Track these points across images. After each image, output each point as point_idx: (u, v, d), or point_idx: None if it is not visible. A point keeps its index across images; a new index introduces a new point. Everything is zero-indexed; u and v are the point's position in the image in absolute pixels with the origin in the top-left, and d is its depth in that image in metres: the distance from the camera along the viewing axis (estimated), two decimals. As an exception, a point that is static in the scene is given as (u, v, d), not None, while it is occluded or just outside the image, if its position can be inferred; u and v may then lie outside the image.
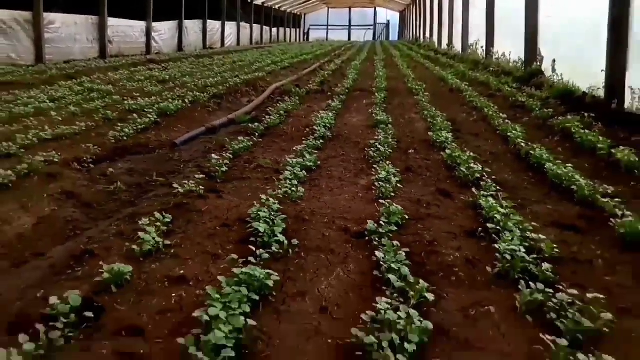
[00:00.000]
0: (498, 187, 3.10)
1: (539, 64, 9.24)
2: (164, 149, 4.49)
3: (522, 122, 4.91)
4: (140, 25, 19.80)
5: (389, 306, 1.75)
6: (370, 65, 12.44)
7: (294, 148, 4.06)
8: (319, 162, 3.77)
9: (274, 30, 43.01)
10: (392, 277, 2.01)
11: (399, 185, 3.18)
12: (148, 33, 20.21)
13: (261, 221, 2.45)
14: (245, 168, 3.62)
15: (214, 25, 27.92)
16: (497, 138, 4.50)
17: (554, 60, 8.24)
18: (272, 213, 2.60)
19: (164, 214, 2.63)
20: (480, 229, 2.57)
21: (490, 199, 2.79)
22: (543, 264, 2.18)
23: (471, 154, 3.75)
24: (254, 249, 2.26)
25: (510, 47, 11.52)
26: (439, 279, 2.15)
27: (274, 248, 2.30)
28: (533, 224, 2.56)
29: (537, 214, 2.82)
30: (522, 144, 4.02)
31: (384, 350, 1.56)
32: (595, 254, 2.41)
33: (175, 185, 3.07)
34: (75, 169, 3.71)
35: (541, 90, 7.69)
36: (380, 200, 2.85)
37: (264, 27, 39.27)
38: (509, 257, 2.19)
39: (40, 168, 3.55)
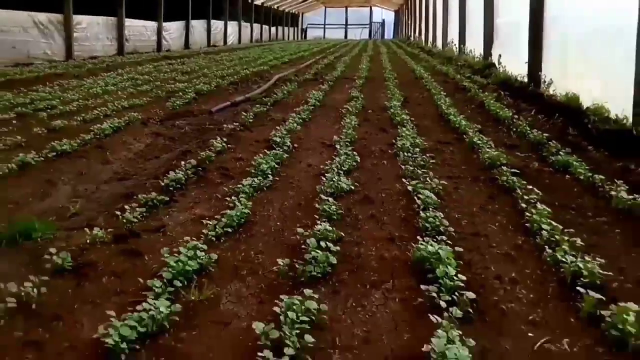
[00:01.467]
0: (416, 128, 5.17)
1: (492, 58, 11.35)
2: (205, 115, 6.57)
3: (456, 98, 6.96)
4: (153, 25, 21.77)
5: (338, 160, 3.82)
6: (358, 60, 14.51)
7: (295, 109, 6.15)
8: (310, 117, 5.82)
9: (273, 29, 44.76)
10: (342, 157, 4.08)
11: (357, 126, 5.25)
12: (159, 32, 22.18)
13: (277, 138, 4.53)
14: (263, 120, 5.70)
15: (217, 24, 29.78)
16: (432, 106, 6.57)
17: (499, 55, 10.31)
18: (283, 136, 4.68)
19: (221, 138, 4.72)
20: (393, 141, 4.63)
21: (407, 132, 4.86)
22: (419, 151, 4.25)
23: (408, 112, 5.84)
24: (275, 148, 4.33)
25: (473, 44, 13.59)
26: (366, 157, 4.19)
27: (284, 147, 4.36)
28: (424, 139, 4.63)
29: (431, 137, 4.88)
30: (444, 108, 6.12)
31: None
32: (450, 150, 4.47)
33: (224, 127, 5.16)
34: (153, 122, 5.82)
35: (489, 79, 9.78)
36: (344, 131, 4.94)
37: (264, 26, 41.02)
38: (400, 145, 4.25)
39: (134, 120, 5.64)
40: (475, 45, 13.28)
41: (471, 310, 1.86)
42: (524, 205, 2.92)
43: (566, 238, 2.39)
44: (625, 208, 2.94)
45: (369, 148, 4.28)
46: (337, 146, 4.26)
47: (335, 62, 13.75)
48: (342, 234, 2.52)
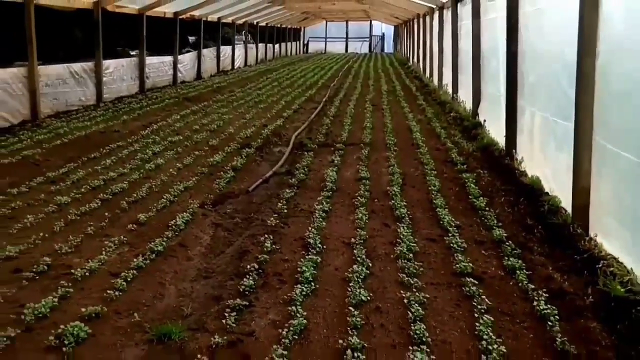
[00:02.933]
0: (411, 223, 6.93)
1: (479, 117, 13.11)
2: (244, 195, 8.31)
3: (444, 177, 8.71)
4: (169, 59, 23.60)
5: (356, 268, 5.56)
6: (362, 106, 16.26)
7: (317, 197, 7.92)
8: (330, 208, 7.58)
9: (277, 46, 46.44)
10: (359, 266, 5.83)
11: (366, 221, 7.00)
12: (175, 66, 24.00)
13: (310, 239, 6.30)
14: (295, 211, 7.44)
15: (225, 50, 31.56)
16: (424, 190, 8.27)
17: (484, 120, 12.07)
18: (314, 236, 6.43)
19: (268, 235, 6.47)
20: (394, 242, 6.40)
21: (404, 230, 6.62)
22: (412, 257, 6.01)
23: (404, 200, 7.65)
24: (309, 249, 6.09)
25: (465, 95, 15.30)
26: (375, 261, 5.93)
27: (317, 249, 6.12)
28: (417, 238, 6.39)
29: (422, 233, 6.64)
30: (433, 194, 7.90)
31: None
32: (434, 253, 6.22)
33: (267, 222, 6.94)
34: (208, 208, 7.60)
35: (474, 142, 11.53)
36: (358, 232, 6.72)
37: (268, 44, 42.74)
38: (398, 251, 6.03)
39: (194, 208, 7.42)
40: (465, 98, 15.00)
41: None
42: (476, 314, 4.68)
43: (496, 347, 4.15)
44: (540, 316, 4.69)
45: (376, 251, 6.00)
46: (355, 250, 5.99)
47: (340, 112, 15.51)
48: (365, 344, 4.27)
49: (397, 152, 10.48)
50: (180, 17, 23.80)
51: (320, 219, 6.94)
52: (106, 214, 7.26)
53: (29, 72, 14.01)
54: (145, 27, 20.37)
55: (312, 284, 5.29)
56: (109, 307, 4.93)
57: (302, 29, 58.01)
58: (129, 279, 5.43)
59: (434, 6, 21.86)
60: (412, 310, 4.71)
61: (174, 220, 6.91)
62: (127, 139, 11.73)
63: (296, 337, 4.41)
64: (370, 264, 5.68)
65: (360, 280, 5.33)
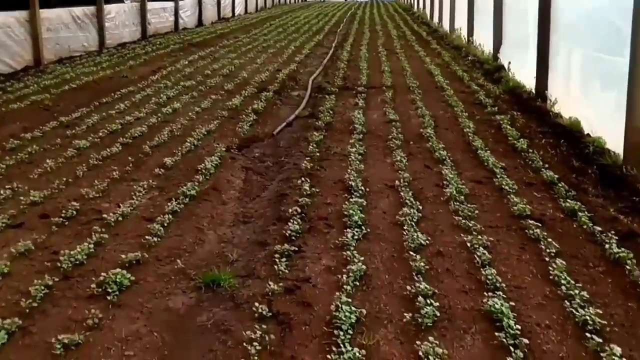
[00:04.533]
0: (453, 164, 6.56)
1: (500, 60, 12.62)
2: (269, 139, 7.92)
3: (476, 120, 8.31)
4: (170, 5, 22.84)
5: (407, 210, 5.22)
6: (375, 48, 15.73)
7: (348, 140, 7.53)
8: (365, 150, 7.18)
9: (276, -7, 45.12)
10: (409, 208, 5.47)
11: (406, 164, 6.63)
12: (176, 12, 23.25)
13: (351, 182, 5.92)
14: (328, 154, 7.05)
15: (227, -5, 30.46)
16: (459, 133, 7.88)
17: (509, 62, 11.59)
18: (355, 178, 6.07)
19: (304, 178, 6.10)
20: (440, 184, 6.04)
21: (447, 171, 6.26)
22: (463, 199, 5.65)
23: (441, 142, 7.26)
24: (352, 193, 5.73)
25: (483, 37, 14.74)
26: (425, 203, 5.57)
27: (360, 192, 5.74)
28: (463, 180, 6.03)
29: (467, 175, 6.28)
30: (470, 137, 7.51)
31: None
32: (485, 194, 5.86)
33: (301, 166, 6.56)
34: (234, 152, 7.21)
35: (499, 85, 11.08)
36: (399, 173, 6.35)
37: (268, -10, 41.48)
38: (448, 193, 5.66)
39: (221, 152, 7.01)
40: (483, 41, 14.44)
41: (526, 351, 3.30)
42: (547, 258, 4.35)
43: (577, 292, 3.83)
44: (614, 259, 4.37)
45: (424, 193, 5.65)
46: (400, 192, 5.64)
47: (353, 57, 14.98)
48: (434, 290, 3.94)
49: (422, 94, 10.04)
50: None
51: (357, 162, 6.56)
52: (129, 158, 6.87)
53: (31, 16, 13.40)
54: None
55: (362, 227, 4.94)
56: (148, 253, 4.59)
57: (301, -25, 56.52)
58: (165, 224, 5.09)
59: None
60: (478, 254, 4.37)
61: (203, 164, 6.53)
62: (137, 84, 11.26)
63: (357, 284, 4.08)
64: (421, 207, 5.33)
65: (413, 223, 4.98)
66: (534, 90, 9.74)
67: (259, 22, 26.21)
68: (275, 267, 4.32)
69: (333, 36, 20.05)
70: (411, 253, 4.44)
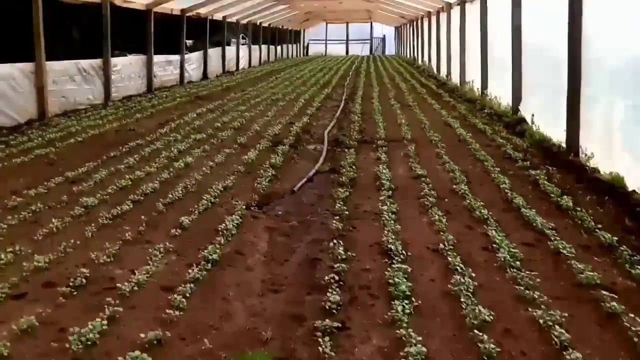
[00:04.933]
0: (497, 225, 5.99)
1: (520, 113, 12.22)
2: (290, 195, 7.37)
3: (509, 175, 7.78)
4: (176, 58, 22.67)
5: (459, 279, 4.63)
6: (387, 103, 15.36)
7: (377, 196, 6.98)
8: (397, 209, 6.56)
9: (279, 48, 45.67)
10: (460, 277, 4.89)
11: (446, 223, 6.08)
12: (182, 65, 23.09)
13: (389, 244, 5.35)
14: (357, 212, 6.51)
15: (230, 50, 30.63)
16: (494, 188, 7.37)
17: (532, 115, 11.16)
18: (393, 241, 5.49)
19: (336, 240, 5.52)
20: (489, 247, 5.47)
21: (493, 233, 5.70)
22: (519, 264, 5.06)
23: (478, 199, 6.71)
24: (392, 257, 5.15)
25: (498, 90, 14.42)
26: (478, 269, 4.99)
27: (401, 257, 5.18)
28: (511, 242, 5.45)
29: (514, 236, 5.71)
30: (507, 192, 6.97)
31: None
32: (540, 259, 5.29)
33: (330, 225, 5.99)
34: (255, 210, 6.65)
35: (523, 138, 10.63)
36: (441, 235, 5.78)
37: (271, 46, 41.96)
38: (502, 258, 5.08)
39: (241, 210, 6.44)
40: (499, 94, 14.10)
41: None
42: (635, 339, 3.73)
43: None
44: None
45: (473, 258, 5.07)
46: (447, 257, 5.05)
47: (366, 110, 14.59)
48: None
49: (446, 148, 9.56)
50: (187, 14, 22.87)
51: (392, 222, 6.01)
52: (142, 217, 6.30)
53: (36, 68, 13.03)
54: (152, 23, 19.44)
55: (412, 299, 4.34)
56: (170, 331, 3.97)
57: (302, 31, 57.16)
58: (187, 295, 4.47)
59: (452, 1, 21.04)
60: (555, 333, 3.76)
61: (223, 224, 5.97)
62: (145, 137, 10.78)
63: (418, 372, 3.46)
64: (473, 274, 4.73)
65: (469, 294, 4.38)
66: (564, 144, 9.27)
67: (264, 76, 26.04)
68: (319, 348, 3.71)
69: (341, 89, 19.77)
70: (476, 332, 3.82)
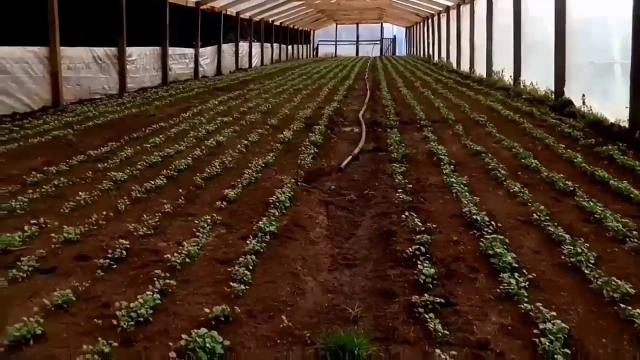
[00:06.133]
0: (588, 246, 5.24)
1: (565, 96, 11.46)
2: (337, 173, 6.64)
3: (577, 151, 7.03)
4: (191, 52, 22.00)
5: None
6: (415, 90, 14.63)
7: (439, 171, 6.25)
8: (468, 181, 5.87)
9: (290, 47, 45.12)
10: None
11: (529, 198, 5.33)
12: (196, 59, 22.39)
13: (476, 216, 4.61)
14: (423, 185, 5.77)
15: (243, 47, 29.99)
16: (566, 162, 6.65)
17: (583, 95, 10.40)
18: (477, 210, 4.75)
19: (409, 213, 4.78)
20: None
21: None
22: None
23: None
24: (480, 228, 4.41)
25: (533, 75, 13.70)
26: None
27: (490, 228, 4.45)
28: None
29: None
30: (584, 165, 6.20)
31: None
32: None
33: (393, 199, 5.26)
34: (304, 185, 5.92)
35: (575, 119, 9.87)
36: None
37: (282, 45, 41.38)
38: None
39: (290, 183, 5.70)
40: (536, 79, 13.38)
41: None
42: None
43: None
44: None
45: (577, 228, 4.33)
46: (544, 228, 4.30)
47: (396, 97, 13.86)
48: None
49: (496, 128, 8.81)
50: (202, 7, 22.21)
51: (466, 194, 5.26)
52: (180, 190, 5.60)
53: (51, 53, 12.33)
54: (168, 15, 18.80)
55: (521, 271, 3.58)
56: (238, 307, 3.22)
57: (312, 32, 56.49)
58: (250, 268, 3.72)
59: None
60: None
61: (274, 197, 5.22)
62: (168, 121, 10.08)
63: (567, 351, 2.70)
64: (587, 244, 3.97)
65: (591, 265, 3.62)
66: (623, 123, 8.52)
67: (279, 72, 25.30)
68: (428, 325, 2.95)
69: (362, 81, 19.10)
70: (621, 305, 3.06)
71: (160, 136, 8.46)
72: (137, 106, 12.37)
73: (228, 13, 26.36)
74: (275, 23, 37.56)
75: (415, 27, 46.28)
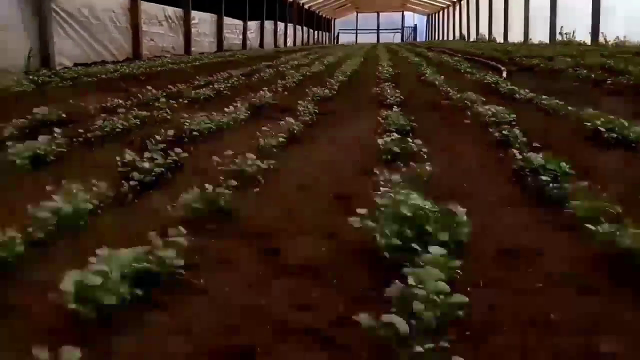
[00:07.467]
0: None
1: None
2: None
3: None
4: (240, 23, 22.13)
5: None
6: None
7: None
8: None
9: (315, 32, 45.23)
10: None
11: None
12: (244, 31, 22.53)
13: None
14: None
15: (280, 26, 30.09)
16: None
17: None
18: None
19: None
20: None
21: None
22: None
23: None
24: None
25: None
26: None
27: None
28: None
29: None
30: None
31: None
32: None
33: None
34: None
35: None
36: None
37: (309, 29, 41.47)
38: None
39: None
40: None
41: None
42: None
43: None
44: None
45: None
46: None
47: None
48: None
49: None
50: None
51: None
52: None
53: (131, 4, 12.63)
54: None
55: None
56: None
57: (333, 20, 56.55)
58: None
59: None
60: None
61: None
62: (252, 66, 9.97)
63: None
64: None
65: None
66: None
67: (314, 50, 25.19)
68: None
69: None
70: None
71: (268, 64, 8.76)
72: (217, 57, 12.61)
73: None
74: (305, 6, 37.69)
75: (439, 13, 45.83)
